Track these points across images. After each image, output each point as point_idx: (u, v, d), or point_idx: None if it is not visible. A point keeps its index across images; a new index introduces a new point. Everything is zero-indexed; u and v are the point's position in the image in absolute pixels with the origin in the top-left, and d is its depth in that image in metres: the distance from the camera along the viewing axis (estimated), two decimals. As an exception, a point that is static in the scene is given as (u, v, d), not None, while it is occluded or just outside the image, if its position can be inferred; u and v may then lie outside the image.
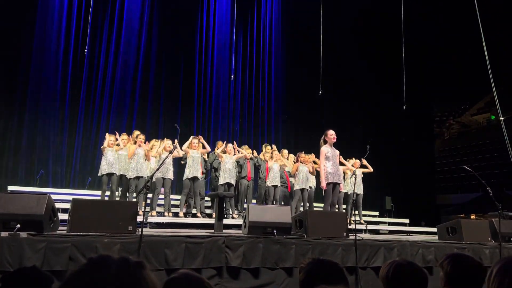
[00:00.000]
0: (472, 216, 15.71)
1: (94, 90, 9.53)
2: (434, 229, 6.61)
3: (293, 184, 7.94)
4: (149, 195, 6.80)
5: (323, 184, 5.87)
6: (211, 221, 6.27)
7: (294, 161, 8.43)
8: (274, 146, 8.30)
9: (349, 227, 5.03)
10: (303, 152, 7.93)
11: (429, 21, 12.98)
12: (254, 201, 8.27)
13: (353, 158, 8.49)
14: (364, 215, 8.89)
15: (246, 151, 8.03)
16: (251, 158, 8.07)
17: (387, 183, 11.34)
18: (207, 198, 7.96)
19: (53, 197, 3.91)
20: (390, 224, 9.86)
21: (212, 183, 8.34)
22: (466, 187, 17.35)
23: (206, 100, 11.06)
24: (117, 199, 6.90)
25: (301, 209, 7.57)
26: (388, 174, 11.65)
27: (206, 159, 7.87)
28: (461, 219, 5.82)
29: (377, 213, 10.50)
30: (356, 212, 8.27)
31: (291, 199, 8.27)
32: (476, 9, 7.42)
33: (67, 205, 4.11)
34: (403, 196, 11.48)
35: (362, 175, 8.32)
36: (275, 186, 7.68)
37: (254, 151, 8.45)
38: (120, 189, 7.18)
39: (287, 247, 4.27)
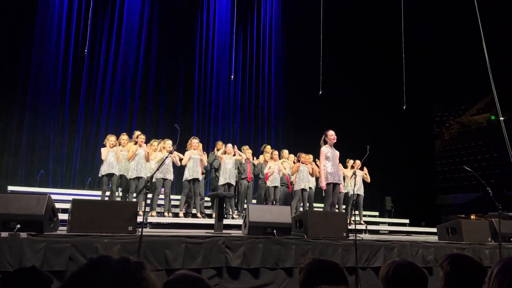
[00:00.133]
0: (472, 217, 15.71)
1: (94, 90, 9.53)
2: (434, 229, 6.60)
3: (294, 184, 7.95)
4: (149, 195, 6.80)
5: (323, 184, 5.88)
6: (211, 221, 6.27)
7: (294, 161, 8.44)
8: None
9: (349, 227, 5.03)
10: (303, 153, 7.93)
11: (429, 21, 12.99)
12: (254, 201, 8.28)
13: (352, 160, 8.50)
14: (364, 215, 8.89)
15: (246, 151, 8.03)
16: (254, 165, 8.07)
17: (387, 183, 11.34)
18: (207, 199, 7.96)
19: (53, 197, 3.91)
20: (390, 224, 9.86)
21: (212, 184, 8.34)
22: (466, 187, 17.35)
23: (206, 100, 11.06)
24: (118, 199, 6.90)
25: (301, 209, 7.57)
26: (388, 174, 11.65)
27: (206, 159, 7.86)
28: (461, 219, 5.82)
29: (377, 213, 10.49)
30: (356, 212, 8.27)
31: (291, 199, 8.28)
32: (476, 9, 7.43)
33: (67, 205, 4.11)
34: (403, 196, 11.48)
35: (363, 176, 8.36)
36: (275, 187, 7.68)
37: (254, 157, 8.43)
38: (120, 189, 7.18)
39: (287, 247, 4.27)
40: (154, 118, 10.25)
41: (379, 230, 9.05)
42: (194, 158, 7.12)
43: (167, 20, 10.55)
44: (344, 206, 8.36)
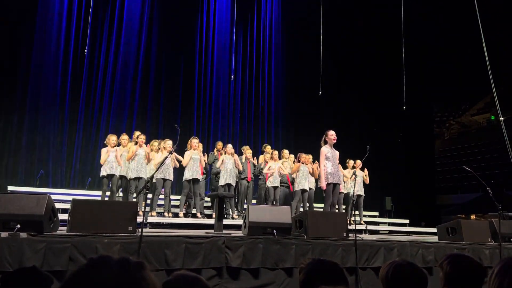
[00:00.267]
0: (472, 217, 15.71)
1: (94, 90, 9.53)
2: (434, 230, 6.60)
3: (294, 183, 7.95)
4: (149, 196, 6.80)
5: (323, 184, 5.88)
6: (211, 221, 6.27)
7: (294, 162, 8.44)
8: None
9: (349, 227, 5.03)
10: (303, 153, 7.92)
11: (429, 21, 12.98)
12: (254, 201, 8.28)
13: (352, 161, 8.50)
14: (364, 216, 8.89)
15: (246, 151, 8.04)
16: (254, 165, 8.07)
17: (387, 184, 11.34)
18: (206, 199, 7.96)
19: (53, 197, 3.91)
20: (390, 224, 9.86)
21: (212, 184, 8.34)
22: (466, 187, 17.35)
23: (206, 100, 11.06)
24: (118, 199, 6.90)
25: (301, 209, 7.57)
26: (388, 174, 11.65)
27: (206, 160, 7.87)
28: (461, 219, 5.82)
29: (377, 214, 10.50)
30: (356, 212, 8.28)
31: (291, 199, 8.28)
32: (476, 9, 7.43)
33: (67, 205, 4.11)
34: (403, 196, 11.48)
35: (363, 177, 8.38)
36: (275, 187, 7.68)
37: (255, 157, 8.43)
38: (120, 189, 7.18)
39: (287, 248, 4.27)
40: (154, 118, 10.25)
41: (379, 230, 9.05)
42: (194, 158, 7.12)
43: (167, 20, 10.55)
44: (344, 206, 8.36)
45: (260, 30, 12.13)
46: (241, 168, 7.73)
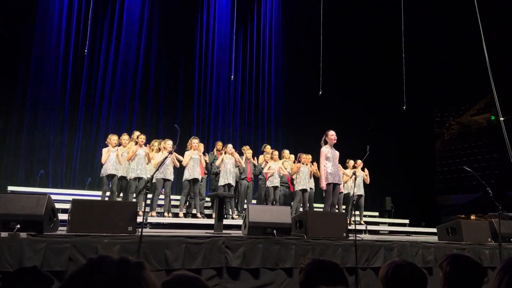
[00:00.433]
0: (472, 217, 15.71)
1: (94, 90, 9.54)
2: (434, 230, 6.60)
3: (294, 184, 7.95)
4: (149, 196, 6.80)
5: (323, 184, 5.88)
6: (211, 221, 6.27)
7: (294, 162, 8.43)
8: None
9: (349, 227, 5.03)
10: (303, 153, 7.92)
11: (429, 21, 12.99)
12: (254, 201, 8.28)
13: (352, 161, 8.50)
14: (364, 216, 8.89)
15: (247, 151, 8.04)
16: (254, 165, 8.07)
17: (387, 184, 11.35)
18: (207, 199, 7.96)
19: (53, 197, 3.91)
20: (390, 224, 9.86)
21: (212, 184, 8.34)
22: (466, 187, 17.34)
23: (206, 100, 11.07)
24: (118, 199, 6.90)
25: (301, 209, 7.57)
26: (388, 174, 11.65)
27: (207, 161, 7.87)
28: (461, 219, 5.82)
29: (377, 214, 10.50)
30: (357, 212, 8.28)
31: (292, 199, 8.27)
32: (476, 9, 7.43)
33: (67, 206, 4.11)
34: (403, 196, 11.48)
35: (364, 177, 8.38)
36: (275, 187, 7.68)
37: (255, 157, 8.42)
38: (120, 189, 7.18)
39: (287, 248, 4.27)
40: (154, 118, 10.25)
41: (379, 230, 9.05)
42: (194, 158, 7.12)
43: (167, 20, 10.55)
44: (344, 207, 8.37)
45: (260, 30, 12.14)
46: (243, 165, 7.73)
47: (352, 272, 4.47)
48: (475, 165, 16.72)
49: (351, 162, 8.50)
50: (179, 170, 7.48)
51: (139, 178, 6.79)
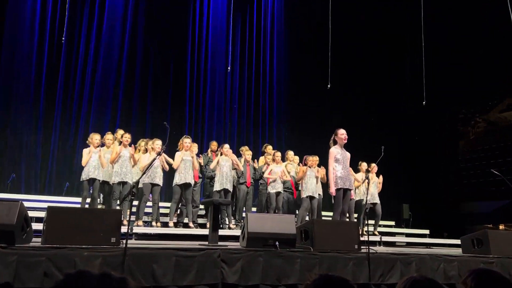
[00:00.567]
0: (501, 227, 15.69)
1: (72, 82, 9.53)
2: (458, 241, 6.61)
3: (299, 190, 7.95)
4: (135, 203, 6.80)
5: (332, 190, 5.87)
6: (205, 232, 6.26)
7: (299, 164, 8.43)
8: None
9: (361, 238, 5.03)
10: (310, 155, 7.91)
11: (447, 15, 13.01)
12: (254, 209, 8.28)
13: (365, 163, 8.50)
14: (379, 225, 8.90)
15: (246, 153, 8.03)
16: (254, 169, 8.07)
17: (404, 189, 11.34)
18: (200, 206, 7.96)
19: (26, 204, 3.92)
20: (407, 235, 9.88)
21: (206, 189, 8.34)
22: (494, 193, 17.31)
23: (199, 95, 11.07)
24: (100, 207, 6.90)
25: (307, 218, 7.57)
26: (406, 178, 11.64)
27: (202, 163, 7.87)
28: (488, 229, 5.82)
29: (393, 223, 10.50)
30: (371, 222, 8.28)
31: (296, 207, 8.26)
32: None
33: (42, 214, 4.11)
34: (423, 203, 11.48)
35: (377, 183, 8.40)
36: (277, 193, 7.68)
37: (255, 160, 8.42)
38: (102, 195, 7.18)
39: (291, 262, 4.27)
40: (140, 115, 10.26)
41: (395, 242, 9.06)
42: (186, 160, 7.11)
43: (155, 4, 10.55)
44: (356, 215, 8.37)
45: (261, 16, 12.14)
46: (241, 169, 7.73)
47: (364, 290, 4.47)
48: (503, 168, 16.70)
49: (364, 165, 8.48)
50: (170, 174, 7.48)
51: (124, 183, 6.78)
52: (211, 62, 11.24)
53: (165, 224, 7.15)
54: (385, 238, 7.98)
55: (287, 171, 7.95)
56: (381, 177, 8.51)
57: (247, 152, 8.08)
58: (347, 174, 6.00)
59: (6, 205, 3.62)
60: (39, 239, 3.94)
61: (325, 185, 7.57)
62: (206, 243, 4.78)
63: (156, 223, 6.92)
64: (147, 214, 7.19)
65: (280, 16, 12.43)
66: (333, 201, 6.20)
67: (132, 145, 7.09)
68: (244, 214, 7.49)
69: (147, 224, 7.07)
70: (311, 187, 7.63)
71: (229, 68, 10.12)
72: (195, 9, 11.22)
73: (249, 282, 4.07)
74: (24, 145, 8.81)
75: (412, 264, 4.82)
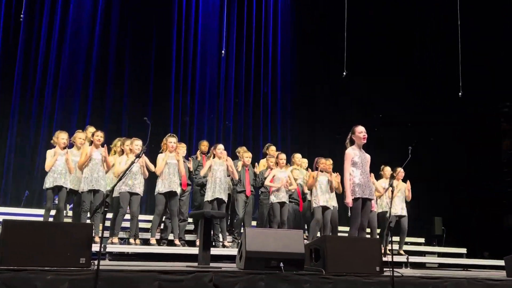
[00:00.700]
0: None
1: (33, 69, 9.54)
2: (501, 262, 6.61)
3: (308, 200, 7.95)
4: (109, 215, 6.80)
5: (349, 200, 5.86)
6: (195, 250, 6.28)
7: (307, 169, 8.43)
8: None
9: (384, 259, 5.04)
10: (322, 158, 7.92)
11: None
12: (253, 223, 8.28)
13: (389, 168, 8.50)
14: (406, 243, 8.90)
15: (244, 155, 8.02)
16: (254, 174, 8.07)
17: (436, 199, 11.35)
18: (189, 219, 7.97)
19: (-23, 217, 3.91)
20: (440, 255, 9.92)
21: (195, 199, 8.34)
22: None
23: (187, 85, 11.07)
24: (67, 220, 6.89)
25: (319, 234, 7.58)
26: (438, 187, 11.64)
27: (190, 168, 7.86)
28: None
29: (422, 240, 10.54)
30: (396, 238, 8.29)
31: (303, 220, 8.26)
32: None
33: (-4, 229, 4.11)
34: (458, 216, 11.48)
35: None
36: (282, 203, 7.68)
37: (255, 163, 8.43)
38: (69, 206, 7.16)
39: (299, 287, 4.26)
40: (115, 109, 10.26)
41: (425, 262, 9.10)
42: (171, 164, 7.11)
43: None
44: (378, 230, 8.37)
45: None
46: (236, 177, 7.73)
47: (388, 321, 4.47)
48: (556, 174, 16.70)
49: (387, 170, 8.47)
50: (151, 180, 7.47)
51: (95, 191, 6.78)
52: (202, 44, 11.25)
53: (145, 241, 7.14)
54: (412, 259, 7.99)
55: (294, 178, 7.93)
56: (408, 182, 8.48)
57: (245, 154, 8.07)
58: (367, 180, 5.98)
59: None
60: (-7, 260, 3.93)
61: (340, 195, 7.57)
62: (196, 264, 4.79)
63: (135, 240, 6.91)
64: (124, 229, 7.19)
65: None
66: (349, 214, 6.19)
67: (106, 145, 7.08)
68: (242, 229, 7.48)
69: (124, 241, 7.08)
70: (323, 196, 7.63)
71: (223, 51, 10.05)
72: (182, -19, 11.24)
73: (248, 311, 4.07)
74: (-26, 146, 8.84)
75: (446, 290, 4.82)
